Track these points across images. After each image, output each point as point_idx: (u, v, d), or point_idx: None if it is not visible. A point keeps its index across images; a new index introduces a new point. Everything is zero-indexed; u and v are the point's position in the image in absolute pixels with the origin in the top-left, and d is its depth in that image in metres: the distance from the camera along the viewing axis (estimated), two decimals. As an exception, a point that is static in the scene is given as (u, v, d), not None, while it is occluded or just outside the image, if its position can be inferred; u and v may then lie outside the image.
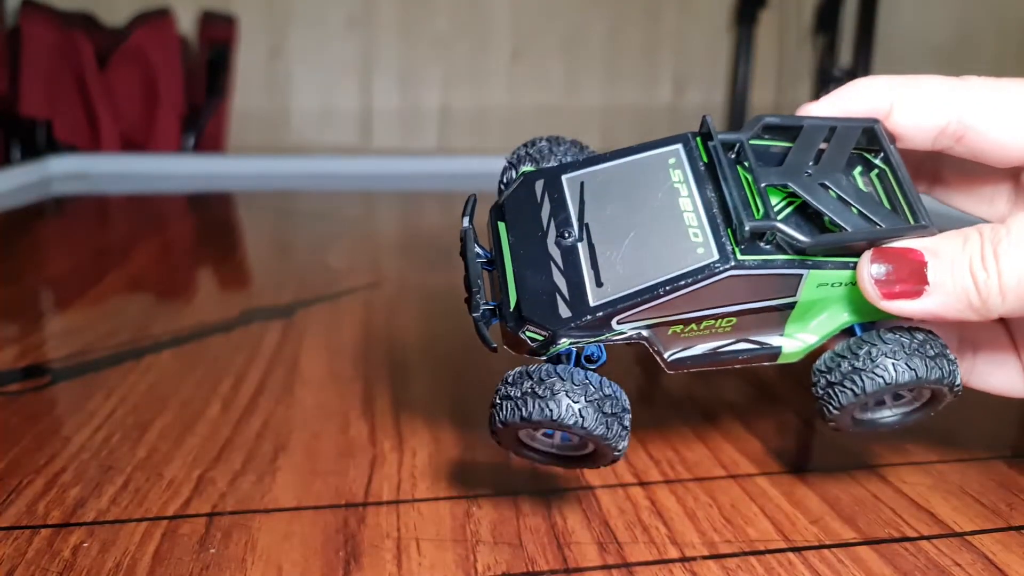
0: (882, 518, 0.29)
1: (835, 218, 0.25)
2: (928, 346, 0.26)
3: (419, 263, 0.69)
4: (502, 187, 0.30)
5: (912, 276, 0.24)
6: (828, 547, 0.28)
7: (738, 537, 0.28)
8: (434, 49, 1.61)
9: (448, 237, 0.82)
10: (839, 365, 0.26)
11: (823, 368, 0.26)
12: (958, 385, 0.26)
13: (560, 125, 1.66)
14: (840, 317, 0.27)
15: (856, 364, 0.25)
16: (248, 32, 1.49)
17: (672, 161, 0.27)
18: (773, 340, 0.27)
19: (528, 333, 0.26)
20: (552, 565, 0.26)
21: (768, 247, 0.25)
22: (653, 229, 0.26)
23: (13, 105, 1.32)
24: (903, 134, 0.28)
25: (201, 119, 1.41)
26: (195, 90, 1.43)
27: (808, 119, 0.28)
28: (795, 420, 0.38)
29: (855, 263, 0.25)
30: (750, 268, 0.24)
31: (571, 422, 0.24)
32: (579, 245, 0.26)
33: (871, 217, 0.26)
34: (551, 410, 0.24)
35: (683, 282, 0.25)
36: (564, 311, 0.25)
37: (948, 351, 0.26)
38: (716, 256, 0.25)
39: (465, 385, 0.41)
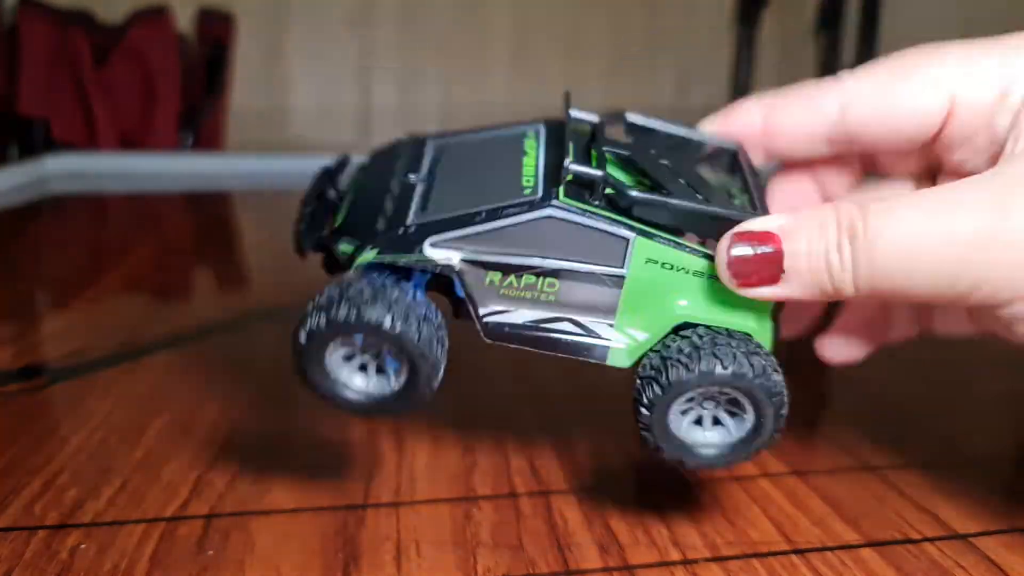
0: (885, 520, 0.29)
1: (670, 189, 0.25)
2: (750, 346, 0.25)
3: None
4: None
5: (768, 264, 0.24)
6: (831, 549, 0.27)
7: (740, 539, 0.28)
8: (433, 47, 1.61)
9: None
10: (650, 361, 0.25)
11: (640, 368, 0.25)
12: (780, 397, 0.25)
13: (559, 124, 1.65)
14: (674, 312, 0.25)
15: (665, 354, 0.25)
16: (246, 30, 1.49)
17: (529, 133, 0.28)
18: (602, 330, 0.26)
19: (342, 246, 0.26)
20: (553, 567, 0.26)
21: (596, 202, 0.25)
22: (490, 178, 0.26)
23: (10, 104, 1.31)
24: (786, 146, 0.29)
25: (199, 117, 1.41)
26: (193, 88, 1.42)
27: (671, 125, 0.29)
28: (797, 420, 0.38)
29: (692, 248, 0.25)
30: (571, 212, 0.24)
31: (386, 324, 0.23)
32: (419, 184, 0.27)
33: (711, 203, 0.25)
34: (365, 313, 0.23)
35: (500, 212, 0.24)
36: (380, 225, 0.26)
37: (774, 363, 0.25)
38: (539, 195, 0.25)
39: (465, 385, 0.41)
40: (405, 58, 1.60)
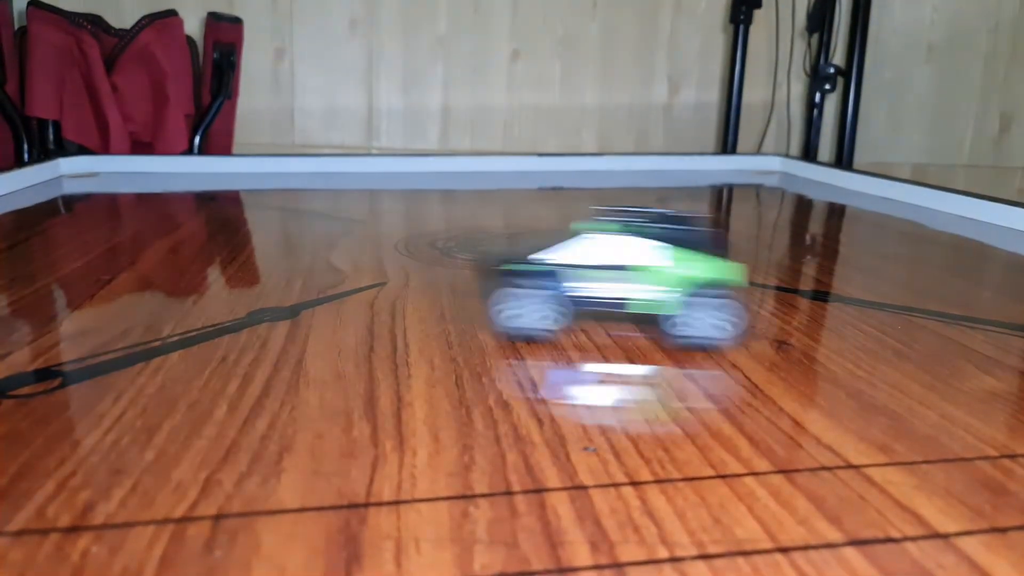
0: (867, 519, 0.30)
1: None
2: None
3: (421, 263, 0.69)
4: None
5: None
6: (814, 548, 0.28)
7: (726, 537, 0.29)
8: (435, 50, 1.62)
9: (450, 237, 0.82)
10: None
11: None
12: None
13: (558, 125, 1.66)
14: None
15: None
16: (253, 34, 1.50)
17: None
18: None
19: None
20: (545, 565, 0.27)
21: None
22: None
23: (23, 106, 1.33)
24: None
25: (208, 120, 1.42)
26: (202, 91, 1.44)
27: None
28: (784, 419, 0.39)
29: None
30: None
31: None
32: None
33: None
34: None
35: None
36: None
37: None
38: None
39: (465, 383, 0.42)
40: (407, 60, 1.61)
